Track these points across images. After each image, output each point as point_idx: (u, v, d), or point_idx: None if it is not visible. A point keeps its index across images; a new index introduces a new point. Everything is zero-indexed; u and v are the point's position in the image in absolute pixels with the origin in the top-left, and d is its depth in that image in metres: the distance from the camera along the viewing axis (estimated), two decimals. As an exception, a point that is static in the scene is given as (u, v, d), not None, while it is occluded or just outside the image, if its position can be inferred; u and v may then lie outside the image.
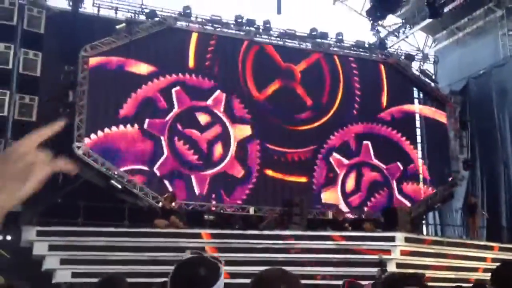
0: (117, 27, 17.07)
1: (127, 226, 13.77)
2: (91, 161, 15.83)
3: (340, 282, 4.22)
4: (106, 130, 16.64)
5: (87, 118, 16.21)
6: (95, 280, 6.34)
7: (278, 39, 19.90)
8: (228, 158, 17.98)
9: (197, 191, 17.32)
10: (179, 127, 17.58)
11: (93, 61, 16.71)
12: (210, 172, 17.61)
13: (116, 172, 16.13)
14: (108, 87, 16.98)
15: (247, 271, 12.85)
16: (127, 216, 14.56)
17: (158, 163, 17.07)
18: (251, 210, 17.62)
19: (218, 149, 17.90)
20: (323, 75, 20.06)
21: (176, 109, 17.63)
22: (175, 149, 17.37)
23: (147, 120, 17.17)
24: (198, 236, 13.39)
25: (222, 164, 17.85)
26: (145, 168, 16.88)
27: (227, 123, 18.22)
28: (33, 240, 12.77)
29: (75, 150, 15.69)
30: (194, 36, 18.52)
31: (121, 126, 16.84)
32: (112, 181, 15.93)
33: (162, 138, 17.29)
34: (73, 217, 13.53)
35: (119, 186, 15.94)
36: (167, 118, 17.45)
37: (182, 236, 12.99)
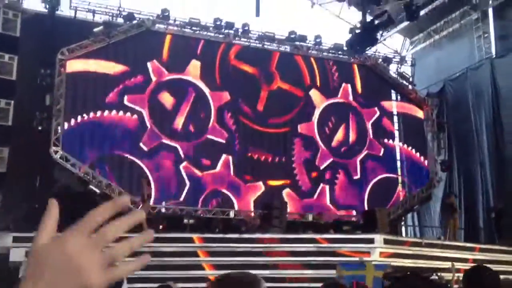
0: (95, 30, 16.91)
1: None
2: (69, 166, 15.64)
3: (319, 285, 4.20)
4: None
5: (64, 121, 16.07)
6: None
7: (257, 41, 19.91)
8: (210, 124, 18.19)
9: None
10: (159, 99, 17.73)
11: (71, 65, 16.55)
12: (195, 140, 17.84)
13: (94, 176, 15.94)
14: (85, 90, 16.85)
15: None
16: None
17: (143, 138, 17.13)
18: (231, 214, 17.58)
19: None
20: (302, 74, 20.21)
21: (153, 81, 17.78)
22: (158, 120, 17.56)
23: (126, 96, 17.18)
24: (189, 240, 13.35)
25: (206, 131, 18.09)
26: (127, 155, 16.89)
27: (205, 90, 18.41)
28: (10, 247, 12.55)
29: (52, 154, 15.49)
30: (168, 38, 18.42)
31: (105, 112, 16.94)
32: (91, 186, 15.76)
33: (143, 111, 17.38)
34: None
35: (98, 191, 15.77)
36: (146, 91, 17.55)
37: (166, 241, 12.93)
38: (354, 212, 19.44)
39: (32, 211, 14.07)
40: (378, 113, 20.93)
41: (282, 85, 19.67)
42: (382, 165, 20.63)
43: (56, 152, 15.58)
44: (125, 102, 17.18)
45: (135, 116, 17.31)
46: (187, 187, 17.53)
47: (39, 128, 15.55)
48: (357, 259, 13.64)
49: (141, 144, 17.15)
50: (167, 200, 17.16)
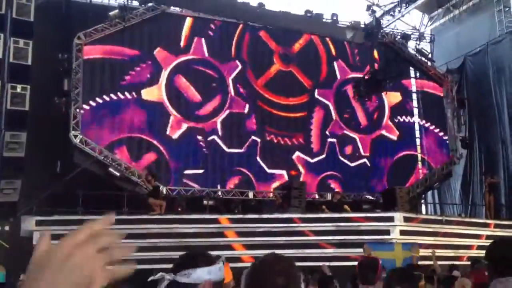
0: (110, 13, 16.88)
1: (126, 213, 13.76)
2: (89, 150, 15.76)
3: (341, 264, 4.19)
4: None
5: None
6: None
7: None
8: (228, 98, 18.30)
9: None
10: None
11: (87, 50, 16.60)
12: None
13: (114, 160, 16.06)
14: (101, 74, 16.92)
15: (248, 254, 12.94)
16: (126, 203, 14.55)
17: (169, 127, 17.29)
18: (250, 194, 17.61)
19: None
20: (319, 56, 20.02)
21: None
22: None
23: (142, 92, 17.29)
24: (212, 221, 13.46)
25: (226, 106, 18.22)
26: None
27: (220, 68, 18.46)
28: (33, 230, 12.75)
29: (72, 139, 15.61)
30: (189, 21, 18.37)
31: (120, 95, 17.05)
32: (110, 169, 15.88)
33: (162, 101, 17.52)
34: (72, 206, 13.50)
35: (117, 174, 15.89)
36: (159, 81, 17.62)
37: (179, 222, 13.04)
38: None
39: (54, 195, 14.26)
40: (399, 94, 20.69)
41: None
42: (401, 142, 20.46)
43: (75, 136, 15.70)
44: (143, 96, 17.21)
45: (153, 106, 17.38)
46: (209, 162, 17.64)
47: (58, 112, 15.67)
48: (377, 237, 13.62)
49: (168, 133, 17.28)
50: (188, 167, 17.21)
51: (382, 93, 18.29)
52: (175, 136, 17.39)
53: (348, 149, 19.60)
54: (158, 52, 17.65)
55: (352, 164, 19.46)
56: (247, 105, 18.57)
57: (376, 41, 17.53)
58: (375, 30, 17.54)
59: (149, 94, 17.37)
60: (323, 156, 19.17)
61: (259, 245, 12.89)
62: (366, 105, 19.57)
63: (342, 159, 19.38)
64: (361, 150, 19.75)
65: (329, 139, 19.40)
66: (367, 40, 16.91)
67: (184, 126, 17.59)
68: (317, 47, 20.09)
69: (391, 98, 20.47)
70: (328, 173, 19.02)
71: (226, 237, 13.40)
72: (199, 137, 17.71)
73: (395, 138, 20.43)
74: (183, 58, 18.01)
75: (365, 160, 19.69)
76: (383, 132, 20.30)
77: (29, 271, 0.87)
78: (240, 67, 18.70)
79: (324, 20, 20.16)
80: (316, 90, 19.62)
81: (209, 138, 17.81)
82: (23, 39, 14.08)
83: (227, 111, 18.26)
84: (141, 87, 17.30)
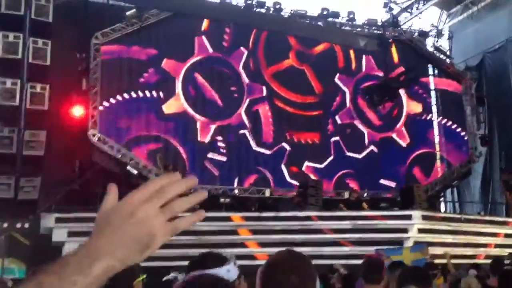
0: (127, 13, 16.99)
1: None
2: (107, 148, 15.88)
3: (358, 262, 4.17)
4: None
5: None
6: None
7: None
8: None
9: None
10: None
11: (105, 50, 16.74)
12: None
13: (131, 158, 16.17)
14: (119, 74, 17.04)
15: (264, 252, 12.95)
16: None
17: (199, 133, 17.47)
18: (267, 193, 17.60)
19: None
20: (336, 60, 19.92)
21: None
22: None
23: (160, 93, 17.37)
24: (228, 219, 13.51)
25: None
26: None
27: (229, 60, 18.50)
28: (52, 227, 12.92)
29: (90, 137, 15.75)
30: (205, 23, 18.43)
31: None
32: (128, 167, 15.99)
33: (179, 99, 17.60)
34: (90, 204, 13.63)
35: (135, 172, 16.00)
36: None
37: (203, 220, 13.08)
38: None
39: (73, 193, 14.41)
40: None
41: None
42: (420, 140, 20.29)
43: (93, 134, 15.84)
44: (165, 111, 17.30)
45: (176, 112, 17.48)
46: (224, 163, 17.71)
47: (77, 111, 15.83)
48: (395, 236, 13.54)
49: (199, 139, 17.46)
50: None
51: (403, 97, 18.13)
52: (207, 139, 17.55)
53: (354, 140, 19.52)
54: (166, 64, 17.61)
55: (361, 156, 19.35)
56: (264, 88, 18.62)
57: (389, 47, 17.38)
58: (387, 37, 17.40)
59: (170, 107, 17.44)
60: (331, 158, 19.09)
61: (275, 244, 12.91)
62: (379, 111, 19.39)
63: (349, 154, 19.27)
64: (402, 143, 19.77)
65: (333, 138, 19.29)
66: (380, 48, 16.80)
67: (212, 127, 17.69)
68: (336, 55, 20.02)
69: (412, 106, 20.35)
70: (341, 172, 18.93)
71: (240, 235, 13.44)
72: (222, 137, 17.76)
73: (404, 144, 20.21)
74: (191, 61, 18.00)
75: (372, 147, 19.56)
76: (394, 135, 20.13)
77: (95, 226, 0.90)
78: (246, 52, 18.69)
79: (340, 18, 20.10)
80: (338, 75, 19.53)
81: (240, 132, 17.94)
82: (42, 39, 14.26)
83: (248, 99, 18.31)
84: (158, 87, 17.38)
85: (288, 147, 18.47)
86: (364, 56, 20.16)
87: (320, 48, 19.69)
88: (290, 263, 2.06)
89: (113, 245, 0.86)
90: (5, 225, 13.73)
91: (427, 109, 20.97)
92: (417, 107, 20.62)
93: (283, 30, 18.58)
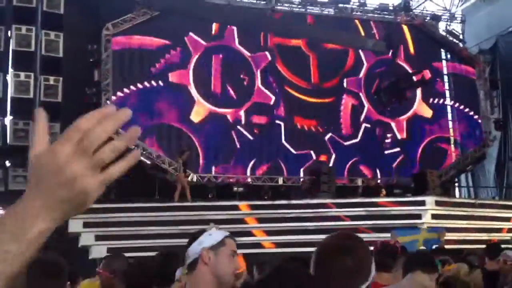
0: (137, 2, 17.01)
1: (158, 201, 13.97)
2: (119, 139, 15.96)
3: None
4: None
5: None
6: (130, 254, 6.49)
7: (300, 6, 19.59)
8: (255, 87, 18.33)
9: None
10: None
11: (116, 41, 16.79)
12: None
13: (144, 148, 16.26)
14: (130, 64, 17.11)
15: (278, 241, 13.01)
16: (157, 191, 14.76)
17: (193, 112, 17.42)
18: (280, 181, 17.64)
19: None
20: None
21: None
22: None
23: (169, 74, 17.43)
24: (235, 208, 13.56)
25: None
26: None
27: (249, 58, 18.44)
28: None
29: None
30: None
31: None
32: (141, 158, 16.09)
33: (188, 85, 17.60)
34: (105, 194, 13.71)
35: (148, 162, 16.10)
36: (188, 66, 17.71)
37: (210, 209, 13.17)
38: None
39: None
40: (430, 75, 20.33)
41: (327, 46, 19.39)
42: (433, 125, 20.17)
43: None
44: (170, 79, 17.34)
45: (180, 90, 17.50)
46: (236, 152, 17.70)
47: (89, 103, 15.93)
48: (408, 221, 13.54)
49: (191, 117, 17.34)
50: (216, 164, 17.34)
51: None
52: (197, 120, 17.45)
53: (383, 135, 19.43)
54: (189, 37, 17.72)
55: (386, 152, 19.28)
56: (274, 98, 18.50)
57: (398, 45, 17.18)
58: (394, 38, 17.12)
59: (176, 77, 17.48)
60: (356, 140, 19.04)
61: (287, 231, 12.99)
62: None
63: (375, 145, 19.22)
64: (398, 135, 19.56)
65: (365, 124, 19.24)
66: (388, 49, 16.61)
67: (207, 111, 17.66)
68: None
69: (422, 109, 20.24)
70: (359, 158, 18.87)
71: (248, 224, 13.49)
72: (225, 125, 17.77)
73: (429, 116, 20.11)
74: (213, 44, 18.03)
75: (398, 149, 19.46)
76: (417, 112, 19.98)
77: (29, 176, 0.86)
78: (270, 59, 18.63)
79: (351, 3, 19.96)
80: (345, 80, 19.44)
81: (236, 127, 17.88)
82: (54, 32, 14.33)
83: (252, 101, 18.24)
84: (169, 75, 17.44)
85: (282, 123, 18.42)
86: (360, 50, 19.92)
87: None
88: (345, 246, 2.02)
89: (46, 207, 0.82)
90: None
91: (437, 79, 20.74)
92: (427, 112, 20.37)
93: (291, 34, 18.40)
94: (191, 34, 17.76)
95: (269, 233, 13.37)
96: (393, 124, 19.61)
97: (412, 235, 12.07)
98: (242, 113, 18.04)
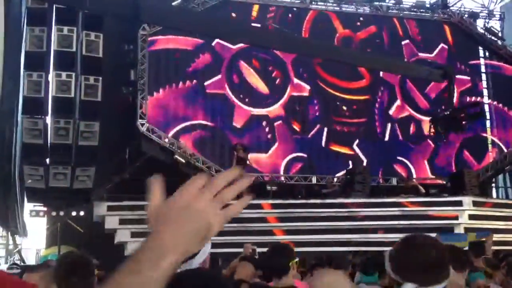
0: (173, 3, 17.22)
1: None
2: (155, 138, 16.25)
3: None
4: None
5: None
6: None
7: (335, 5, 19.51)
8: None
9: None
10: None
11: (152, 41, 17.04)
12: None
13: (179, 147, 16.47)
14: (166, 64, 17.34)
15: (311, 240, 13.00)
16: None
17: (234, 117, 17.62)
18: (314, 179, 17.62)
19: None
20: (383, 44, 19.58)
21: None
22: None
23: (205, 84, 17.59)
24: (259, 206, 13.60)
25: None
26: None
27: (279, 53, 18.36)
28: (105, 215, 13.37)
29: (139, 127, 16.14)
30: (256, 8, 18.51)
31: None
32: (176, 156, 16.31)
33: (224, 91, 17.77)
34: (140, 192, 13.96)
35: (183, 161, 16.31)
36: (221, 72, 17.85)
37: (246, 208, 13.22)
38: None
39: (123, 182, 14.84)
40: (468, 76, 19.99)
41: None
42: (470, 124, 19.77)
43: (142, 124, 16.22)
44: (206, 90, 17.51)
45: (217, 92, 17.69)
46: (275, 146, 17.80)
47: (126, 102, 16.26)
48: (445, 222, 13.34)
49: (234, 124, 17.54)
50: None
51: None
52: (240, 125, 17.64)
53: (412, 130, 19.19)
54: (217, 43, 17.80)
55: (415, 146, 19.04)
56: (309, 87, 18.53)
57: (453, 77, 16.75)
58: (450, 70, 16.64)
59: (212, 86, 17.66)
60: (386, 139, 18.89)
61: (321, 230, 12.97)
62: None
63: (405, 141, 19.00)
64: (425, 131, 19.28)
65: (391, 123, 19.06)
66: (444, 78, 16.18)
67: (249, 114, 17.81)
68: (382, 35, 19.71)
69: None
70: (392, 157, 18.70)
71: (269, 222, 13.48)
72: (264, 123, 17.86)
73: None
74: (241, 46, 18.13)
75: (428, 140, 19.16)
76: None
77: (150, 225, 0.96)
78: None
79: (387, 1, 19.77)
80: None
81: (276, 124, 17.96)
82: (94, 32, 14.64)
83: (289, 95, 18.31)
84: (204, 76, 17.60)
85: (325, 127, 18.42)
86: (402, 43, 19.74)
87: (364, 34, 19.44)
88: (427, 241, 2.13)
89: (175, 240, 0.92)
90: (61, 213, 14.32)
91: (476, 78, 20.37)
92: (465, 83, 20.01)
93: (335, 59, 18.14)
94: (217, 40, 17.74)
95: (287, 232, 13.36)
96: (422, 120, 19.30)
97: (458, 241, 11.86)
98: (281, 107, 18.13)
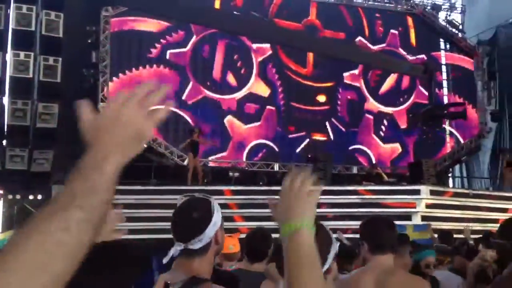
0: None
1: (154, 184, 14.01)
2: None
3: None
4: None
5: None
6: (123, 237, 6.53)
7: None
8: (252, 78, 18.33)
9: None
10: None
11: (115, 23, 16.71)
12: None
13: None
14: (129, 47, 17.05)
15: (271, 226, 13.06)
16: (153, 174, 14.80)
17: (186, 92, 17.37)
18: (276, 167, 17.70)
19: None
20: (347, 28, 19.75)
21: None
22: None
23: (168, 52, 17.37)
24: (221, 193, 13.57)
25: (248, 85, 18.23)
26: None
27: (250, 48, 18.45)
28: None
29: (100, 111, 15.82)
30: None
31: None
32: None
33: (185, 66, 17.61)
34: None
35: (145, 145, 16.07)
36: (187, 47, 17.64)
37: (205, 193, 13.18)
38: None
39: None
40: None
41: (326, 34, 19.33)
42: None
43: (103, 108, 15.91)
44: (167, 57, 17.29)
45: (177, 71, 17.46)
46: (231, 141, 17.72)
47: (87, 84, 15.92)
48: (403, 210, 13.62)
49: (183, 98, 17.30)
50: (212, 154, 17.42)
51: None
52: (190, 102, 17.44)
53: (385, 126, 19.53)
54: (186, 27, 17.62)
55: (384, 145, 19.35)
56: (269, 91, 18.49)
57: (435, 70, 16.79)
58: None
59: (174, 55, 17.47)
60: (356, 129, 19.13)
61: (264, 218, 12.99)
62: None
63: (375, 137, 19.31)
64: (400, 124, 19.60)
65: (367, 115, 19.34)
66: (425, 73, 16.26)
67: (200, 95, 17.67)
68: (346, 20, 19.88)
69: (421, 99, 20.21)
70: (357, 147, 18.97)
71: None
72: (218, 111, 17.77)
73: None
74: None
75: (397, 144, 19.51)
76: (417, 100, 19.99)
77: (85, 135, 1.03)
78: (271, 52, 18.62)
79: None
80: (344, 75, 19.42)
81: (227, 116, 17.91)
82: (54, 12, 14.23)
83: (247, 92, 18.26)
84: (170, 59, 17.40)
85: (273, 108, 18.52)
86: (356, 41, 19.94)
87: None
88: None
89: (114, 145, 1.01)
90: (18, 196, 13.98)
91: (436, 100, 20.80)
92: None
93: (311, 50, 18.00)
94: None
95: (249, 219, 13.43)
96: (393, 114, 19.67)
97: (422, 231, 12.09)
98: (235, 101, 18.04)
